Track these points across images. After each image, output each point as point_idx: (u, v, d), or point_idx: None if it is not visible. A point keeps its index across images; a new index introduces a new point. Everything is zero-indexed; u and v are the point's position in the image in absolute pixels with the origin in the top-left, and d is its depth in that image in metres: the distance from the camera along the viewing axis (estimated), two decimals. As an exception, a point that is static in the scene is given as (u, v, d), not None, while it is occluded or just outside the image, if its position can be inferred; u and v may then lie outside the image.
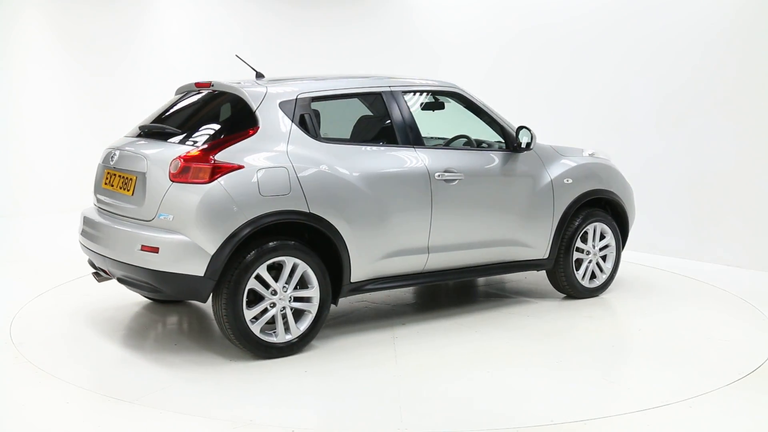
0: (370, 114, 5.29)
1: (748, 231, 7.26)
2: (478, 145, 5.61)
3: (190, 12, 10.94)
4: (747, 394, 4.09)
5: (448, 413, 3.80)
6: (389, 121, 5.06)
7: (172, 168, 4.35)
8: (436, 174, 5.02)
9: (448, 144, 5.63)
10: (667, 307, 5.82)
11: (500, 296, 6.14)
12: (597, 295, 5.97)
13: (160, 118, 5.02)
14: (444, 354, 4.68)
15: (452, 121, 5.74)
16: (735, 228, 7.35)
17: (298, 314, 4.61)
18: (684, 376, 4.42)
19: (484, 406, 3.90)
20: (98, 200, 5.02)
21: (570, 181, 5.67)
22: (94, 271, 5.06)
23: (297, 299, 4.55)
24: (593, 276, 5.96)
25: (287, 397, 3.99)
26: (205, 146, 4.41)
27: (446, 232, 5.11)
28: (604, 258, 6.00)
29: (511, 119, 5.66)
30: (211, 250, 4.25)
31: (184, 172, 4.32)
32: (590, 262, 5.90)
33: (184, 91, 5.24)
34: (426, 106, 5.75)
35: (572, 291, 5.87)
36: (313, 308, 4.58)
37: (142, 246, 4.33)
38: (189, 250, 4.25)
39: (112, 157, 4.86)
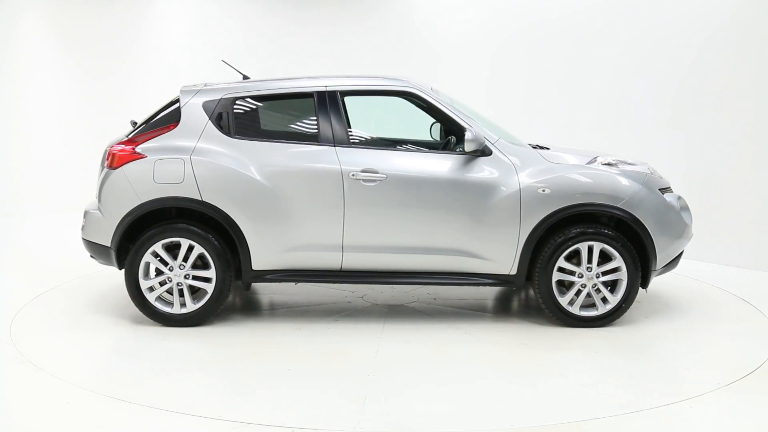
0: (302, 113, 5.45)
1: (748, 231, 7.26)
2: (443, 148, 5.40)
3: (190, 13, 10.94)
4: (747, 394, 4.09)
5: (211, 401, 3.94)
6: (315, 120, 5.22)
7: (106, 157, 5.25)
8: (351, 174, 5.03)
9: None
10: (666, 306, 5.81)
11: (475, 311, 6.13)
12: (598, 326, 5.19)
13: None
14: (301, 353, 4.70)
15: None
16: (735, 228, 7.35)
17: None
18: (684, 376, 4.43)
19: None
20: None
21: (547, 191, 5.06)
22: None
23: (196, 278, 5.12)
24: (591, 304, 5.23)
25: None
26: (131, 138, 5.23)
27: (365, 232, 5.08)
28: (613, 285, 5.21)
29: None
30: (113, 224, 5.10)
31: (108, 160, 5.21)
32: (584, 286, 5.16)
33: None
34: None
35: (557, 317, 5.20)
36: (210, 288, 5.09)
37: (84, 221, 5.33)
38: (99, 222, 5.20)
39: None
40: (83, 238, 5.35)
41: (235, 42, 10.61)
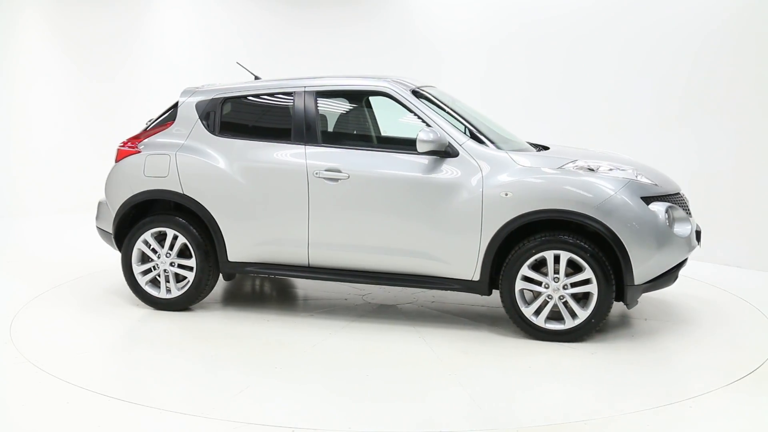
0: (281, 113, 5.56)
1: (748, 231, 7.26)
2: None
3: (190, 15, 10.92)
4: (747, 394, 4.09)
5: (165, 389, 4.13)
6: (291, 119, 5.36)
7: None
8: (315, 172, 5.12)
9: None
10: (666, 307, 5.81)
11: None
12: (565, 341, 4.84)
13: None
14: (244, 342, 4.88)
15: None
16: (735, 228, 7.35)
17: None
18: (684, 376, 4.43)
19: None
20: None
21: (509, 195, 4.82)
22: None
23: (181, 266, 5.45)
24: (558, 317, 4.88)
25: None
26: (137, 135, 5.68)
27: (329, 230, 5.16)
28: (585, 298, 4.85)
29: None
30: (113, 213, 5.58)
31: (116, 154, 5.70)
32: (550, 297, 4.84)
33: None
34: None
35: (522, 329, 4.94)
36: (191, 276, 5.40)
37: (96, 210, 5.87)
38: (104, 210, 5.73)
39: None
40: (96, 226, 5.90)
41: (236, 44, 10.59)
